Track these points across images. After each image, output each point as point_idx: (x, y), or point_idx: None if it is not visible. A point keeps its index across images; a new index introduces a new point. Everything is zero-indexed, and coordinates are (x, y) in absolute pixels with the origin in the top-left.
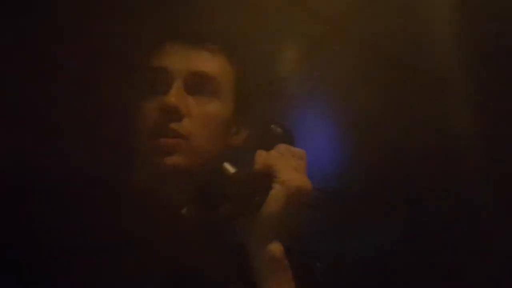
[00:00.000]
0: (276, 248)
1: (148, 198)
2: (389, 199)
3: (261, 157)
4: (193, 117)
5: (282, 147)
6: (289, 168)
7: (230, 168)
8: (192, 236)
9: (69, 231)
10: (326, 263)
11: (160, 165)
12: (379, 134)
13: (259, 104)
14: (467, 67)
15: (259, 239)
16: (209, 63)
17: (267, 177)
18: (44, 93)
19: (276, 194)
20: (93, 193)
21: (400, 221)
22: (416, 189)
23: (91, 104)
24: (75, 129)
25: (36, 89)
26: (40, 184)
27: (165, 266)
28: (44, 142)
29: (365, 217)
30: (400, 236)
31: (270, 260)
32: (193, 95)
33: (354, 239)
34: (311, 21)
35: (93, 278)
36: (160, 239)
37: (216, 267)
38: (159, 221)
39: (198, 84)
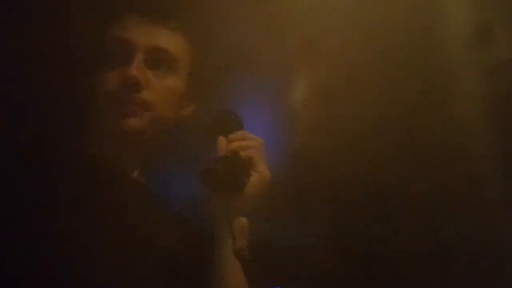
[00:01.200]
0: (245, 220)
1: (99, 160)
2: (321, 193)
3: (247, 150)
4: (152, 89)
5: (247, 135)
6: (262, 160)
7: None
8: (140, 198)
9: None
10: (255, 251)
11: (118, 126)
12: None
13: (211, 84)
14: None
15: (240, 210)
16: (169, 40)
17: (248, 166)
18: None
19: (255, 181)
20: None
21: (332, 216)
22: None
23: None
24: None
25: None
26: None
27: (114, 226)
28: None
29: (297, 208)
30: (328, 231)
31: (242, 226)
32: (152, 69)
33: (283, 229)
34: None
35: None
36: (109, 200)
37: (160, 228)
38: (109, 183)
39: (158, 59)
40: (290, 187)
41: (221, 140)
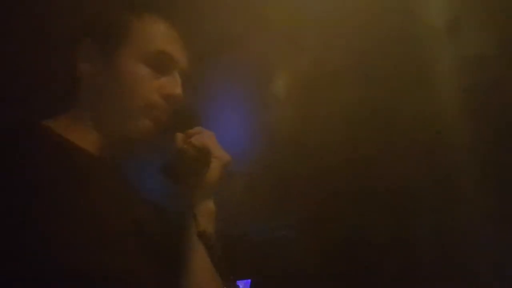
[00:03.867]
0: (212, 203)
1: (77, 150)
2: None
3: (200, 140)
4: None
5: (203, 130)
6: (217, 147)
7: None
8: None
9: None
10: (223, 243)
11: (136, 126)
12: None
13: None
14: None
15: (203, 196)
16: (190, 62)
17: (207, 154)
18: None
19: (215, 166)
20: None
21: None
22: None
23: None
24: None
25: None
26: None
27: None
28: None
29: (275, 201)
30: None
31: (208, 211)
32: None
33: (261, 221)
34: None
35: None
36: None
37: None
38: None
39: (183, 80)
40: (269, 179)
41: (179, 135)
